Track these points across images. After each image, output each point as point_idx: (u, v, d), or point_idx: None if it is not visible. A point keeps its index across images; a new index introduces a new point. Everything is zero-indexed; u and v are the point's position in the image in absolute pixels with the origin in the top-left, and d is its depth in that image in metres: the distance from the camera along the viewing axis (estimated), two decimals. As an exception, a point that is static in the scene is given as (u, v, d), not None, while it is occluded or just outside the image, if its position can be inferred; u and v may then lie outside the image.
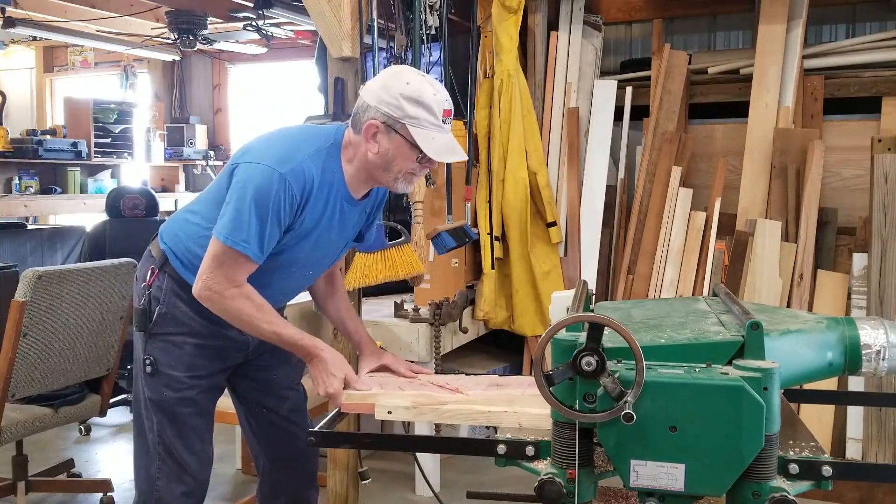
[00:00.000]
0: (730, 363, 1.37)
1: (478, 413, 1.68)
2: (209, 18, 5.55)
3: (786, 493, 1.30)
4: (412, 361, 3.61)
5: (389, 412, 1.74)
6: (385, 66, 3.50)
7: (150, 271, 2.06)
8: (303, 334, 1.97)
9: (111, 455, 4.14)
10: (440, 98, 1.89)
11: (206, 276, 1.91)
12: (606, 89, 4.32)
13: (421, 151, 1.89)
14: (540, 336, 4.02)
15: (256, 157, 1.91)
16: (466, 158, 2.13)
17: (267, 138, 2.01)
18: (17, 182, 6.15)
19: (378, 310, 3.86)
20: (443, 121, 1.89)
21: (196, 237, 2.01)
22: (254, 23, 5.24)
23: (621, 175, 4.33)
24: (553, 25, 4.45)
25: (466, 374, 2.05)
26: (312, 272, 2.16)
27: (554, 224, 4.17)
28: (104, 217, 5.20)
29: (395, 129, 1.88)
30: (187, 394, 2.07)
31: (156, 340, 2.06)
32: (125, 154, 6.85)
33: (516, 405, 1.67)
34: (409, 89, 1.87)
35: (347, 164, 1.98)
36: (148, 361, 2.06)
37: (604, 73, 4.49)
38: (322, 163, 1.94)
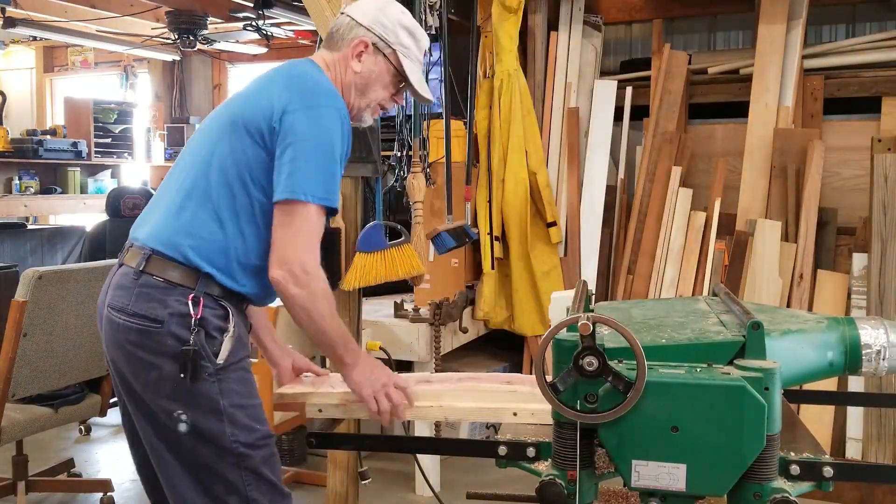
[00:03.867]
0: (731, 363, 1.37)
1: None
2: (209, 18, 5.55)
3: (787, 494, 1.30)
4: (411, 362, 3.64)
5: (320, 410, 1.77)
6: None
7: (191, 302, 1.67)
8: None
9: (111, 455, 4.14)
10: (426, 37, 1.91)
11: (300, 255, 1.65)
12: (606, 89, 4.32)
13: (401, 82, 1.87)
14: (540, 336, 4.03)
15: (307, 101, 1.70)
16: (433, 101, 2.07)
17: (290, 83, 1.76)
18: (17, 182, 6.16)
19: (378, 310, 3.87)
20: (422, 59, 1.92)
21: (233, 243, 1.72)
22: (254, 23, 5.24)
23: (621, 175, 4.33)
24: (553, 25, 4.45)
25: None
26: None
27: (554, 224, 4.17)
28: (104, 217, 5.21)
29: (383, 53, 1.84)
30: (270, 431, 1.77)
31: (228, 374, 1.71)
32: (125, 154, 6.84)
33: (443, 399, 1.71)
34: (405, 19, 1.87)
35: None
36: (226, 405, 1.69)
37: (604, 73, 4.49)
38: None
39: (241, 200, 1.72)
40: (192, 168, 1.76)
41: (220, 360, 1.69)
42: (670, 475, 1.31)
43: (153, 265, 1.70)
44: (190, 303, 1.67)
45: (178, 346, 1.66)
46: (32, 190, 6.18)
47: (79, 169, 6.53)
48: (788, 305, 3.72)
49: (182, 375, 1.64)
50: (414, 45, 1.86)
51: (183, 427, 1.66)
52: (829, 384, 3.41)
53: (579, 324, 1.29)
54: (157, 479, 1.79)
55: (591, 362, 1.31)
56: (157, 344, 1.67)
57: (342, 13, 1.89)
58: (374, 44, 1.83)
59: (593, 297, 1.95)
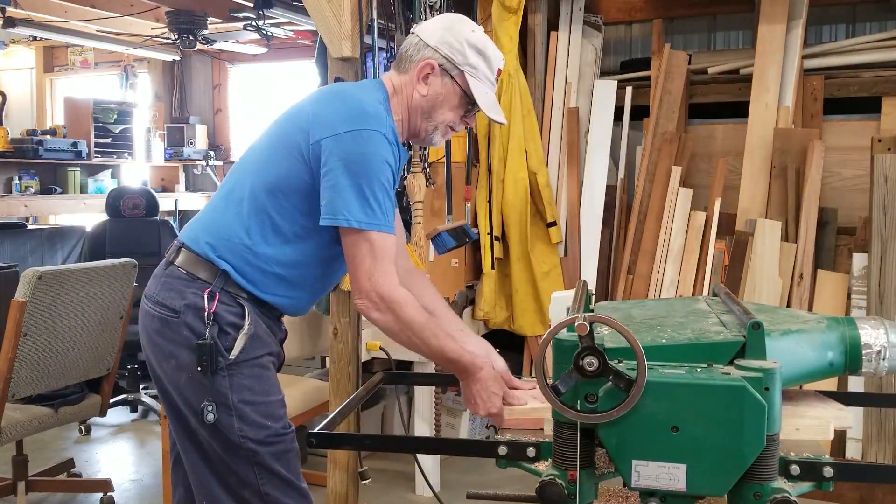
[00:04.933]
0: (731, 363, 1.37)
1: None
2: (209, 18, 5.55)
3: (787, 494, 1.30)
4: (411, 362, 3.64)
5: None
6: (385, 67, 3.50)
7: (206, 296, 1.73)
8: (464, 348, 1.71)
9: (111, 455, 4.14)
10: (499, 55, 1.84)
11: (370, 283, 1.66)
12: (606, 89, 4.32)
13: (470, 104, 1.82)
14: (540, 336, 4.02)
15: (345, 126, 1.68)
16: (505, 123, 2.03)
17: (329, 105, 1.76)
18: (17, 182, 6.15)
19: (378, 310, 3.85)
20: (495, 79, 1.85)
21: (251, 247, 1.76)
22: (254, 23, 5.24)
23: (621, 175, 4.33)
24: (553, 25, 4.45)
25: None
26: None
27: (554, 224, 4.17)
28: (104, 217, 5.21)
29: (450, 75, 1.79)
30: (289, 426, 1.80)
31: (241, 370, 1.74)
32: (125, 154, 6.84)
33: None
34: (475, 37, 1.80)
35: (395, 114, 1.83)
36: (235, 400, 1.72)
37: (604, 73, 4.48)
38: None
39: (271, 211, 1.76)
40: (236, 173, 1.85)
41: (232, 355, 1.73)
42: (670, 475, 1.31)
43: (180, 257, 1.80)
44: (206, 297, 1.73)
45: (193, 338, 1.72)
46: (32, 190, 6.18)
47: (79, 169, 6.53)
48: (788, 305, 3.72)
49: (199, 369, 1.70)
50: (483, 64, 1.80)
51: (210, 418, 1.71)
52: (829, 384, 3.40)
53: (576, 324, 1.29)
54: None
55: (591, 362, 1.31)
56: (174, 333, 1.75)
57: (411, 33, 1.85)
58: (440, 65, 1.78)
59: (593, 297, 1.94)
